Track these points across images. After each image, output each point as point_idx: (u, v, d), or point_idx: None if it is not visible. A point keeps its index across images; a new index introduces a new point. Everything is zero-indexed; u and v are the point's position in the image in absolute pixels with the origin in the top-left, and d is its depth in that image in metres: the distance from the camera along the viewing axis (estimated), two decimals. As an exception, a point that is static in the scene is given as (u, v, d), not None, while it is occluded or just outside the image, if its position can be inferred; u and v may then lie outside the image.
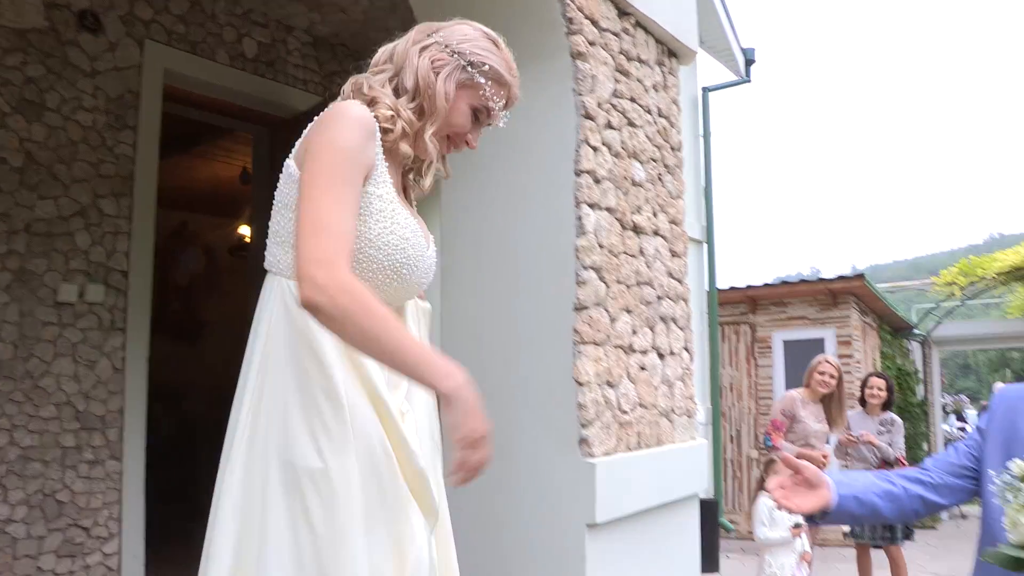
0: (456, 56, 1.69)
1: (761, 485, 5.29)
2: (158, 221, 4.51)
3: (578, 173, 3.17)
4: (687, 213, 9.72)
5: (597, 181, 3.26)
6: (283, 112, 5.18)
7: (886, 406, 6.20)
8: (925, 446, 12.39)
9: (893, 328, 12.44)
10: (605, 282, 3.22)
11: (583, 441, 3.05)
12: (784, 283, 10.11)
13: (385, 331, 1.43)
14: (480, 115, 1.75)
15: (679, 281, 3.77)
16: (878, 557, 6.19)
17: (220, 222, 8.51)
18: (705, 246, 9.62)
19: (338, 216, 1.47)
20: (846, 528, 5.81)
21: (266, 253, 1.63)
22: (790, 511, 2.00)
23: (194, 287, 8.35)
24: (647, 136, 3.66)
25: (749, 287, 10.12)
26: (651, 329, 3.52)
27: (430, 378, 1.46)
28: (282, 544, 1.45)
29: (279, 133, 5.14)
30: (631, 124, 3.53)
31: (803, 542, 5.03)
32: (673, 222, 3.82)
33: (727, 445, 10.32)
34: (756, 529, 5.17)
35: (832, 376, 5.71)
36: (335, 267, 1.42)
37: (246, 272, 6.22)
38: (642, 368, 3.43)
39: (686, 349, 3.79)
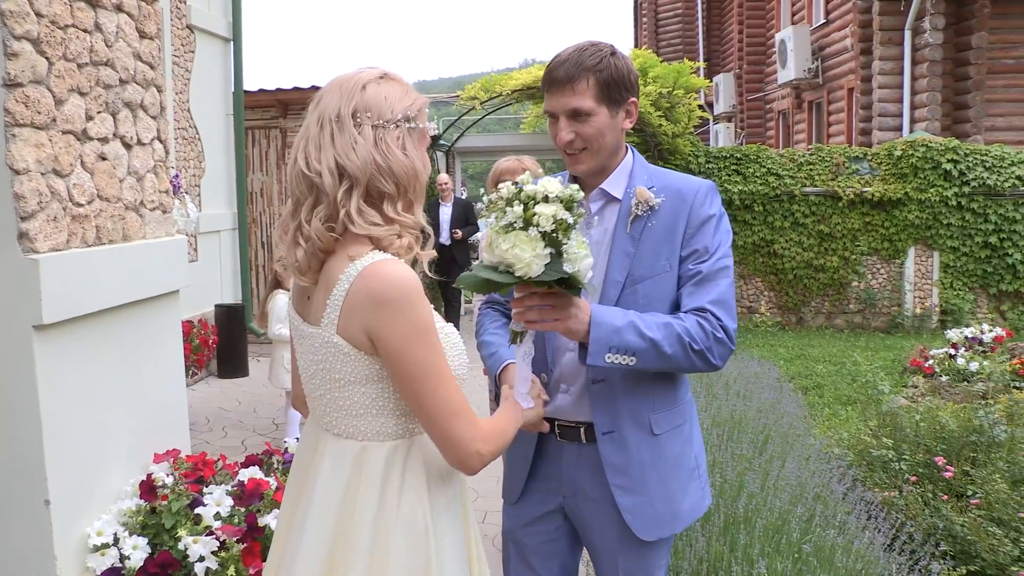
0: (401, 122, 1.67)
1: (277, 284, 5.38)
2: None
3: (8, -77, 2.68)
4: (211, 7, 9.04)
5: (36, -64, 2.79)
6: None
7: None
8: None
9: (421, 138, 13.09)
10: (47, 57, 2.83)
11: (23, 235, 2.74)
12: (315, 87, 9.99)
13: (507, 429, 1.81)
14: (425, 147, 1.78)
15: (150, 65, 3.46)
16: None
17: None
18: (232, 44, 9.11)
19: (457, 394, 1.65)
20: None
21: (325, 421, 1.73)
22: None
23: None
24: None
25: (279, 90, 9.86)
26: (113, 116, 3.21)
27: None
28: None
29: None
30: None
31: None
32: (142, -2, 3.46)
33: (258, 251, 10.29)
34: (272, 326, 5.30)
35: None
36: (480, 442, 1.66)
37: None
38: (102, 157, 3.14)
39: (159, 140, 3.54)
